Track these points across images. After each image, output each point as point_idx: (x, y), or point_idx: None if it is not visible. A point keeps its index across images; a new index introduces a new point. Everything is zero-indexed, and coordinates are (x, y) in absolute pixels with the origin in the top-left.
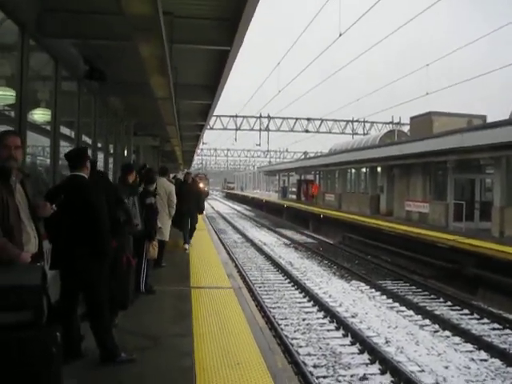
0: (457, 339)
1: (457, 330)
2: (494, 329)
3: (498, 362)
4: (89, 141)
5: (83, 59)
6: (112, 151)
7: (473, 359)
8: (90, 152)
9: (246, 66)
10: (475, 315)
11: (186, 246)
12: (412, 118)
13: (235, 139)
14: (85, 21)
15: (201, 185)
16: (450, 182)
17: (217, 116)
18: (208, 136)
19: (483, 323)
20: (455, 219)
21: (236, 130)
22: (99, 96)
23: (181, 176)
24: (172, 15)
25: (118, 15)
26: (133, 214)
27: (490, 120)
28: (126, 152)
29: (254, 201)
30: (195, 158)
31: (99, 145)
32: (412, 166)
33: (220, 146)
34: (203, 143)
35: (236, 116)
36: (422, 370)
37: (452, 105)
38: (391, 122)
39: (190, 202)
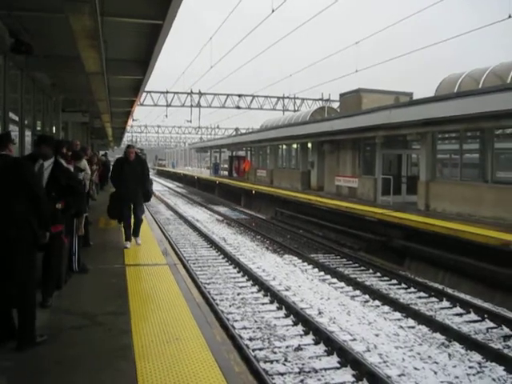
0: (386, 308)
1: (386, 300)
2: (420, 297)
3: (424, 329)
4: (15, 117)
5: (8, 32)
6: (40, 128)
7: (401, 327)
8: (17, 129)
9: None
10: (403, 285)
11: (128, 245)
12: (341, 95)
13: (166, 115)
14: None
15: None
16: (378, 157)
17: (147, 92)
18: (138, 112)
19: (410, 292)
20: (383, 193)
21: (167, 106)
22: (26, 71)
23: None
24: None
25: None
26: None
27: (416, 97)
28: (54, 129)
29: (185, 178)
30: (125, 134)
31: (26, 122)
32: (342, 141)
33: (151, 122)
34: (133, 120)
35: (167, 92)
36: (354, 339)
37: (381, 82)
38: (321, 99)
39: (134, 185)
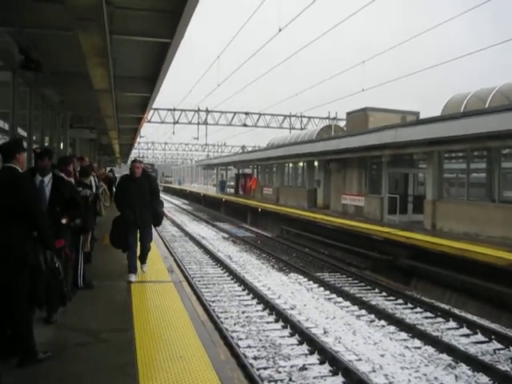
0: (392, 328)
1: (392, 320)
2: (426, 317)
3: (430, 349)
4: (24, 133)
5: (18, 48)
6: (47, 144)
7: (407, 347)
8: (25, 145)
9: (186, 59)
10: (409, 305)
11: (132, 278)
12: (348, 114)
13: (173, 133)
14: (21, 8)
15: None
16: (385, 176)
17: (155, 109)
18: (146, 129)
19: (416, 312)
20: (389, 212)
21: (174, 123)
22: (35, 87)
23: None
24: (112, 5)
25: (58, 4)
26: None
27: (423, 116)
28: (62, 145)
29: (191, 195)
30: (132, 151)
31: (34, 137)
32: (348, 160)
33: (157, 139)
34: (141, 136)
35: (174, 109)
36: (359, 359)
37: (387, 101)
38: (328, 117)
39: (141, 206)
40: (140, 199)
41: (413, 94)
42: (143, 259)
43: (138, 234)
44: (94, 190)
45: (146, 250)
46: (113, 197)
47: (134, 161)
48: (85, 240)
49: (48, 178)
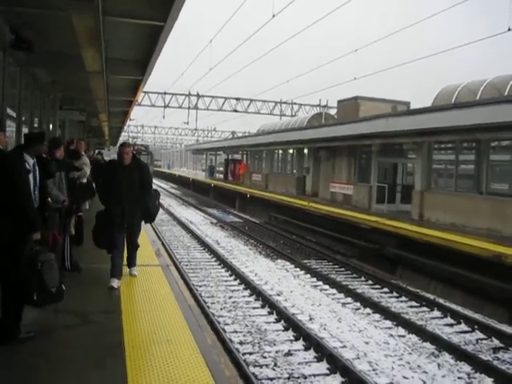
0: (377, 316)
1: (377, 308)
2: (411, 306)
3: (414, 338)
4: (13, 113)
5: (9, 27)
6: (37, 125)
7: (392, 335)
8: (14, 125)
9: (178, 43)
10: (394, 293)
11: (114, 284)
12: (339, 102)
13: (163, 116)
14: None
15: None
16: (374, 165)
17: (145, 92)
18: (136, 112)
19: (402, 301)
20: (378, 201)
21: (164, 107)
22: (25, 67)
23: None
24: None
25: None
26: (62, 189)
27: (413, 106)
28: (51, 126)
29: (180, 179)
30: (122, 134)
31: (23, 118)
32: (338, 148)
33: (147, 122)
34: (130, 119)
35: (165, 93)
36: (344, 346)
37: (379, 90)
38: (319, 105)
39: (130, 200)
40: (129, 191)
41: (405, 84)
42: (132, 261)
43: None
44: (87, 171)
45: (134, 250)
46: (96, 188)
47: (123, 144)
48: (69, 222)
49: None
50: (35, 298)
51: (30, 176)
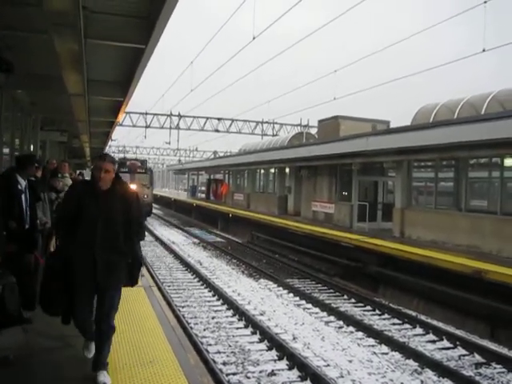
0: (360, 334)
1: (360, 326)
2: (394, 324)
3: (397, 355)
4: None
5: None
6: (18, 146)
7: (375, 353)
8: None
9: (159, 64)
10: (377, 311)
11: (107, 380)
12: (320, 121)
13: (145, 137)
14: None
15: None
16: (355, 183)
17: (127, 113)
18: (117, 132)
19: (384, 318)
20: (359, 220)
21: (146, 127)
22: (6, 88)
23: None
24: (88, 10)
25: (33, 6)
26: (46, 211)
27: (393, 125)
28: (32, 147)
29: (162, 199)
30: None
31: (4, 139)
32: (319, 167)
33: (129, 143)
34: (112, 140)
35: (146, 113)
36: (328, 365)
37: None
38: (300, 125)
39: (107, 244)
40: (106, 232)
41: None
42: (100, 357)
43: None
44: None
45: (105, 337)
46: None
47: (101, 157)
48: (49, 244)
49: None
50: None
51: (22, 197)
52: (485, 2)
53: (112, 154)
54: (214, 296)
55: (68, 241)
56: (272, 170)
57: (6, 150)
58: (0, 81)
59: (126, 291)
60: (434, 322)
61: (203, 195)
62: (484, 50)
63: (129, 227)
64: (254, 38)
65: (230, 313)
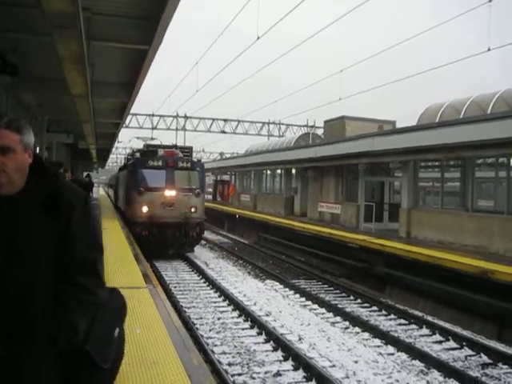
0: (366, 335)
1: (366, 326)
2: (400, 324)
3: (403, 356)
4: None
5: None
6: None
7: (381, 353)
8: None
9: (165, 65)
10: (383, 312)
11: None
12: (326, 122)
13: (151, 138)
14: None
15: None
16: (361, 184)
17: (133, 114)
18: (124, 134)
19: (390, 319)
20: (365, 220)
21: (152, 129)
22: (12, 91)
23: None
24: (90, 11)
25: (36, 9)
26: None
27: (399, 125)
28: (38, 149)
29: None
30: (110, 156)
31: None
32: (325, 168)
33: (136, 145)
34: (118, 141)
35: (153, 115)
36: (333, 365)
37: (364, 110)
38: (306, 125)
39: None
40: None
41: (389, 103)
42: None
43: None
44: None
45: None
46: None
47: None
48: None
49: None
50: None
51: None
52: (489, 1)
53: (116, 160)
54: (220, 297)
55: None
56: (278, 171)
57: None
58: (5, 83)
59: (131, 292)
60: (441, 323)
61: (209, 196)
62: (489, 49)
63: (63, 278)
64: (258, 38)
65: (235, 313)
